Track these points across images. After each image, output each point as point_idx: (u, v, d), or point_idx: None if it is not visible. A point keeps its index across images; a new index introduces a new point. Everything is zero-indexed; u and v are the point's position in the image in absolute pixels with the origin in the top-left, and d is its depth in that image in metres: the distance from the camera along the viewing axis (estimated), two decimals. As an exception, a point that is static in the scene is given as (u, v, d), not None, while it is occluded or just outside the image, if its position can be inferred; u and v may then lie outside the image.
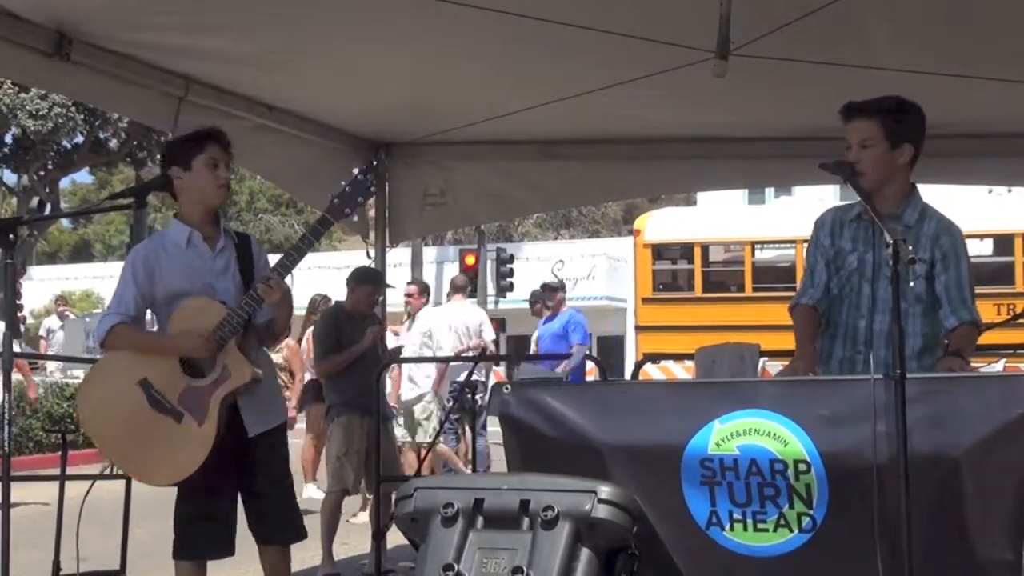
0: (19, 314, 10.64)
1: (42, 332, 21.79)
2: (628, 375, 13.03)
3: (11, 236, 3.76)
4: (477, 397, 10.63)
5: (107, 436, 4.54)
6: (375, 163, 4.24)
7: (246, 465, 4.50)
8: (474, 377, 11.03)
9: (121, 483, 5.98)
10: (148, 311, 4.59)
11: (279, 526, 4.58)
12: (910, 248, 3.49)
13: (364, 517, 9.82)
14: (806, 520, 3.56)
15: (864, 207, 4.14)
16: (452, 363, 10.76)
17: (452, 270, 29.77)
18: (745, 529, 3.64)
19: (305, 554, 8.19)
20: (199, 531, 4.49)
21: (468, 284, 13.09)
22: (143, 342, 4.52)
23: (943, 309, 4.12)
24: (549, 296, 12.18)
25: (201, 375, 4.36)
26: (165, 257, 4.51)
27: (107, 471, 5.25)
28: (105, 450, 4.63)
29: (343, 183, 4.47)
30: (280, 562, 4.65)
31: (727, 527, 3.66)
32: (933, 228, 4.17)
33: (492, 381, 11.11)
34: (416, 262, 30.80)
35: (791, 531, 3.59)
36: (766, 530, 3.61)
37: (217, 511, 4.50)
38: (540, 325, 12.76)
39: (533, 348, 12.73)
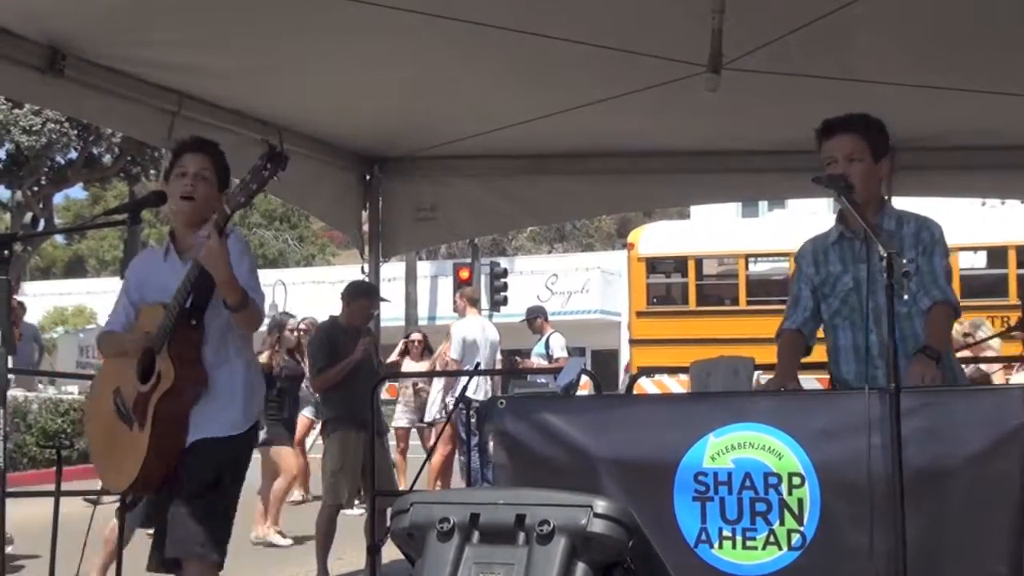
0: (16, 330, 10.58)
1: None
2: (622, 389, 13.00)
3: (5, 252, 3.73)
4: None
5: (93, 447, 4.65)
6: (275, 148, 4.00)
7: None
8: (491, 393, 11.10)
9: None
10: None
11: (172, 537, 4.20)
12: (904, 261, 3.50)
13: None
14: (796, 537, 3.55)
15: (843, 228, 4.23)
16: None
17: (447, 284, 29.76)
18: (734, 547, 3.63)
19: (299, 569, 8.18)
20: (156, 538, 4.35)
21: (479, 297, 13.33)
22: (118, 344, 4.47)
23: (917, 293, 4.13)
24: None
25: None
26: (150, 269, 4.52)
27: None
28: (93, 461, 4.70)
29: (247, 174, 4.13)
30: None
31: (716, 545, 3.64)
32: (913, 227, 4.22)
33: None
34: (410, 276, 30.86)
35: (780, 549, 3.57)
36: (755, 548, 3.60)
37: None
38: None
39: None
